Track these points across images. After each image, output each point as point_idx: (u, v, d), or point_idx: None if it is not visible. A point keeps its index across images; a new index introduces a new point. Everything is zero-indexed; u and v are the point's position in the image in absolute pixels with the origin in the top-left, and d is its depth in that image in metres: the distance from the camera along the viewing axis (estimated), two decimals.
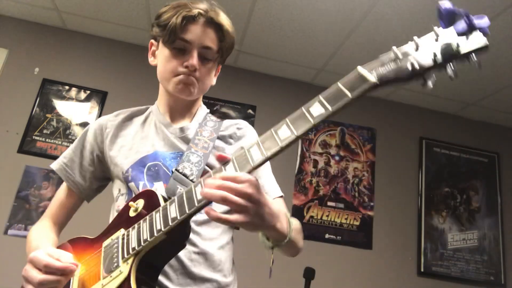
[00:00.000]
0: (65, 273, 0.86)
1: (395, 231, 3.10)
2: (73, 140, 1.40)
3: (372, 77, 0.71)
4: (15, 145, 2.79)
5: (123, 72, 3.11)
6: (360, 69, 0.73)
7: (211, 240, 1.04)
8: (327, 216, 3.05)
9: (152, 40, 1.13)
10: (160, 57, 1.08)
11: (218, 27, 1.06)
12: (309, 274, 1.86)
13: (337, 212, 3.07)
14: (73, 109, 2.95)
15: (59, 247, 1.04)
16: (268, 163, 1.12)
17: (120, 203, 1.06)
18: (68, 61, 3.06)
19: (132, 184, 1.04)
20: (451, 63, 0.70)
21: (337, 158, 3.22)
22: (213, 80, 1.15)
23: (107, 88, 3.03)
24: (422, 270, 3.05)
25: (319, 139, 3.24)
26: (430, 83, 0.71)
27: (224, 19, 1.07)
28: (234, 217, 0.74)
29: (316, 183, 3.12)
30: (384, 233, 3.08)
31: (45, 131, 2.86)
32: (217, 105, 3.15)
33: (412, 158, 3.36)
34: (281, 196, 1.12)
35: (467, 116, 3.54)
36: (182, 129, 1.11)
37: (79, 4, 2.80)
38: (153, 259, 0.87)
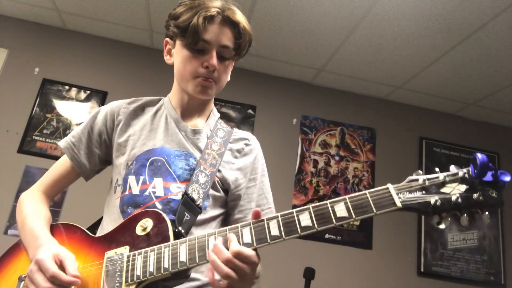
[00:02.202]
0: (69, 286, 0.89)
1: (395, 231, 3.09)
2: None
3: (398, 202, 0.76)
4: (15, 145, 2.79)
5: (123, 72, 3.11)
6: (390, 188, 0.78)
7: None
8: None
9: (168, 39, 1.13)
10: (178, 58, 1.08)
11: (234, 25, 1.07)
12: (309, 274, 1.86)
13: None
14: (73, 109, 2.95)
15: (52, 228, 1.05)
16: (266, 173, 1.20)
17: (117, 195, 1.07)
18: (68, 61, 3.06)
19: (132, 178, 1.05)
20: (466, 213, 0.75)
21: (337, 158, 3.22)
22: (228, 77, 1.16)
23: (107, 88, 3.03)
24: (422, 270, 3.05)
25: (319, 139, 3.24)
26: (443, 225, 0.76)
27: (240, 17, 1.09)
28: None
29: (316, 183, 3.12)
30: (384, 233, 3.08)
31: (45, 131, 2.86)
32: (217, 105, 3.14)
33: (412, 158, 3.36)
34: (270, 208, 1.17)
35: (467, 116, 3.54)
36: (193, 131, 1.12)
37: (79, 4, 2.80)
38: (155, 285, 0.91)
